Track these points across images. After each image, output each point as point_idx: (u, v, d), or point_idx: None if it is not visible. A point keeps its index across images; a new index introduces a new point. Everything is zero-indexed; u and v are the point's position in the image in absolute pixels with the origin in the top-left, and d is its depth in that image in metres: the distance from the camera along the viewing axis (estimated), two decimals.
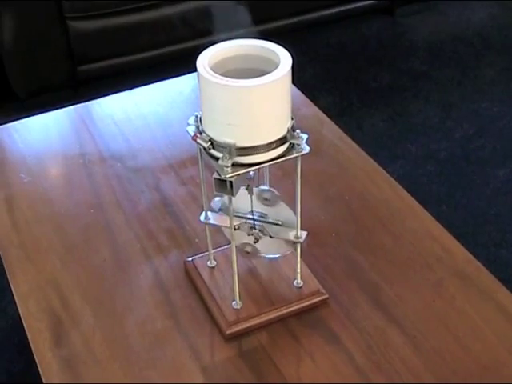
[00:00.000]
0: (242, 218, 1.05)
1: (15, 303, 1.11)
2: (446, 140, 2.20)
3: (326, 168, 1.34)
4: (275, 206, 1.03)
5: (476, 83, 2.44)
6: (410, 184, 1.71)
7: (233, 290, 1.05)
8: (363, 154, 1.37)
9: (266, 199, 1.02)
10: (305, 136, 0.93)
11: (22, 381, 1.57)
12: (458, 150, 2.16)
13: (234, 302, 1.05)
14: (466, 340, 1.03)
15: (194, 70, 0.92)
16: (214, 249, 1.12)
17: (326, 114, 1.49)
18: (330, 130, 1.44)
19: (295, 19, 2.53)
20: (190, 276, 1.12)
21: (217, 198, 1.06)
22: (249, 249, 1.07)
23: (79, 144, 1.43)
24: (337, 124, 1.46)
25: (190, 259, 1.13)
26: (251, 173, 0.97)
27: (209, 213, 1.06)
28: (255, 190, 1.03)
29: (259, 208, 1.05)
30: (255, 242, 1.05)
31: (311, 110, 1.49)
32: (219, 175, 0.91)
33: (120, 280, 1.13)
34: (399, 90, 2.41)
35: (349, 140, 1.40)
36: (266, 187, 1.03)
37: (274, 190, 1.03)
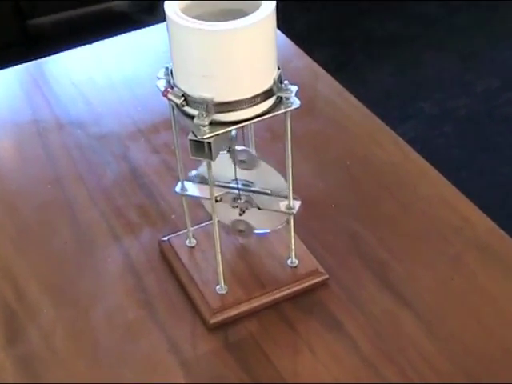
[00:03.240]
0: (225, 187, 1.06)
1: None
2: (465, 95, 2.21)
3: (323, 129, 1.35)
4: (256, 169, 1.04)
5: (500, 28, 2.45)
6: (424, 148, 1.72)
7: (216, 273, 1.06)
8: (366, 111, 1.38)
9: (242, 161, 1.03)
10: (294, 88, 0.94)
11: None
12: (479, 106, 2.18)
13: (218, 287, 1.07)
14: (489, 322, 1.04)
15: (164, 18, 0.93)
16: (193, 226, 1.13)
17: (322, 67, 1.50)
18: (327, 84, 1.45)
19: None
20: (166, 258, 1.13)
21: (194, 171, 1.07)
22: (241, 226, 1.08)
23: (31, 109, 1.43)
24: (335, 79, 1.47)
25: (166, 238, 1.15)
26: (233, 133, 0.98)
27: (186, 183, 1.07)
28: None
29: (244, 175, 1.06)
30: (240, 215, 1.07)
31: (304, 61, 1.50)
32: (195, 136, 0.92)
33: (84, 265, 1.14)
34: (410, 38, 2.42)
35: (349, 95, 1.41)
36: (241, 147, 1.03)
37: (250, 150, 1.03)
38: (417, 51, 2.37)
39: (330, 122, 1.36)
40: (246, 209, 1.07)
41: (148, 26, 1.60)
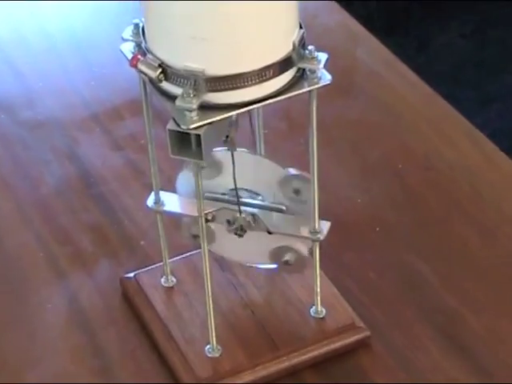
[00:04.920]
0: (220, 200, 1.07)
1: None
2: None
3: (364, 116, 1.36)
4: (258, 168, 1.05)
5: None
6: None
7: (206, 326, 1.07)
8: (428, 90, 1.39)
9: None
10: (324, 56, 0.95)
11: None
12: None
13: (209, 346, 1.07)
14: None
15: None
16: (171, 256, 1.14)
17: (364, 26, 1.51)
18: (371, 50, 1.46)
19: None
20: (133, 303, 1.14)
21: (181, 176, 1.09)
22: (289, 255, 1.07)
23: None
24: (383, 43, 1.48)
25: (132, 275, 1.16)
26: (233, 117, 0.99)
27: (162, 194, 1.08)
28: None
29: (247, 183, 1.07)
30: (241, 236, 1.07)
31: (338, 17, 1.52)
32: (178, 126, 0.93)
33: (12, 314, 1.15)
34: None
35: (403, 67, 1.42)
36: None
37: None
38: (502, 2, 2.38)
39: (374, 107, 1.38)
40: (249, 228, 1.07)
41: None
